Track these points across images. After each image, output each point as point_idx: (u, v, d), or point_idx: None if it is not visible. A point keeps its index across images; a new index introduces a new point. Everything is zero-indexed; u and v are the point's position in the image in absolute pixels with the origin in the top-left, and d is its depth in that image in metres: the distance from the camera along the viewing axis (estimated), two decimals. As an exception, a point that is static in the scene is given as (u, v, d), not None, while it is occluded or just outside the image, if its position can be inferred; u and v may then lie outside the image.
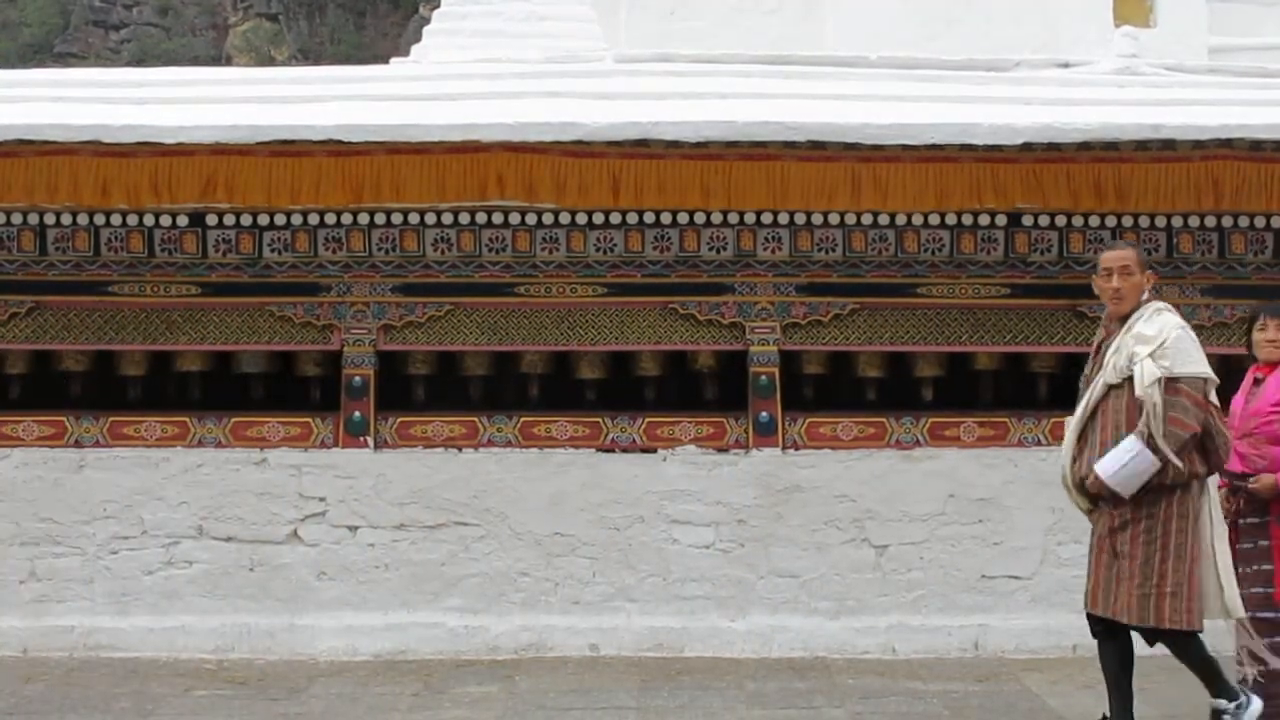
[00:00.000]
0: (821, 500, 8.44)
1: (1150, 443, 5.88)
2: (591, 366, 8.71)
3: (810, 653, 8.22)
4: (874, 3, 11.63)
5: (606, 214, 8.49)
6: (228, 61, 39.14)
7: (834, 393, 8.86)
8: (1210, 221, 8.66)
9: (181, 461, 8.38)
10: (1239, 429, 6.54)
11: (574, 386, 8.78)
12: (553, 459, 8.44)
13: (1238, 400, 6.65)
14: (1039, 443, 8.54)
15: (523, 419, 8.51)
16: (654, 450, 8.48)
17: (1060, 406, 8.75)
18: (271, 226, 8.50)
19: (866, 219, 8.56)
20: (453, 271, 8.54)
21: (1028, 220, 8.59)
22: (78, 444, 8.43)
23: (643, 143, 8.16)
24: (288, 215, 8.45)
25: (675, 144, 8.17)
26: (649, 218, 8.51)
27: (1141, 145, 8.29)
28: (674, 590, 8.37)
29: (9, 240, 8.50)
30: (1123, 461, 5.92)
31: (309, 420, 8.53)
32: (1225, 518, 6.37)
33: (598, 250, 8.56)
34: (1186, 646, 6.07)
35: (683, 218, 8.52)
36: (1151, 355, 5.97)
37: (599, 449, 8.52)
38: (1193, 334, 6.11)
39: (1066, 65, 9.58)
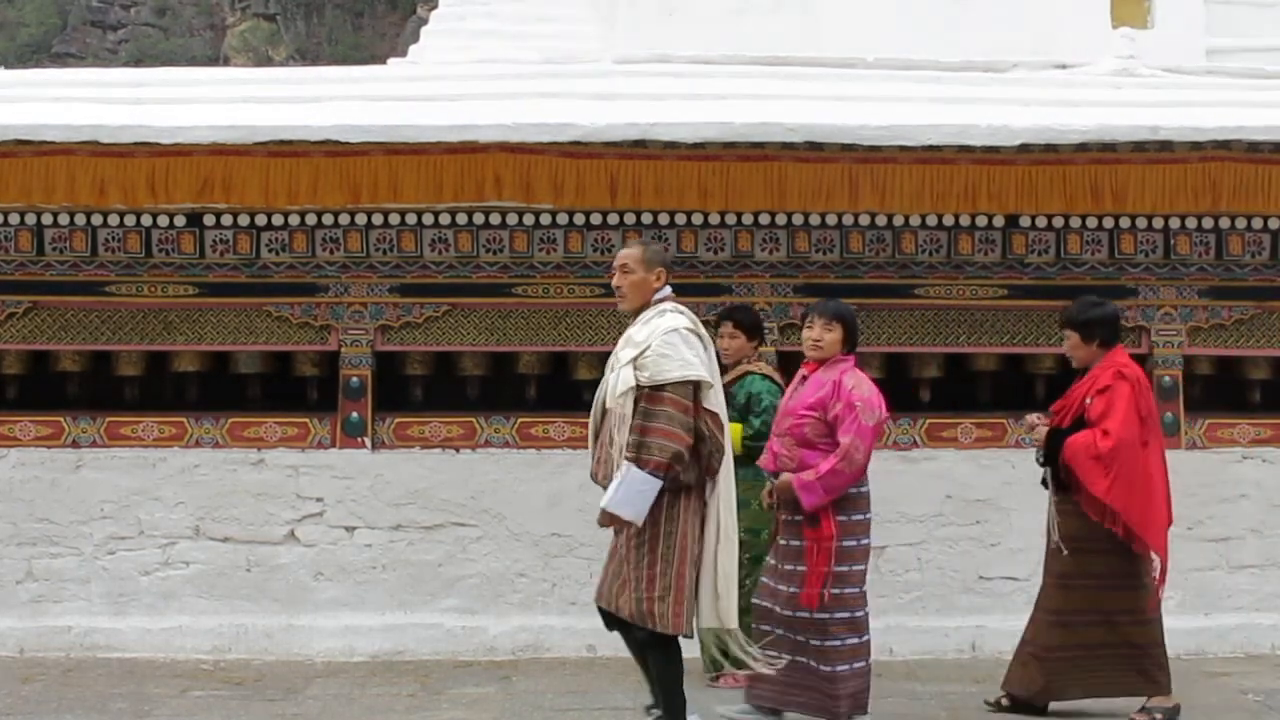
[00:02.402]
0: (819, 501, 8.43)
1: (639, 460, 5.76)
2: (589, 367, 8.70)
3: (807, 654, 8.21)
4: (872, 4, 11.61)
5: (604, 215, 8.49)
6: (225, 62, 39.19)
7: (831, 394, 8.85)
8: (1208, 223, 8.67)
9: (179, 462, 8.38)
10: (776, 426, 6.58)
11: (572, 387, 8.78)
12: (550, 460, 8.44)
13: (785, 398, 6.66)
14: (1038, 444, 8.52)
15: (520, 420, 8.51)
16: (651, 451, 8.46)
17: (1058, 408, 8.78)
18: (269, 227, 8.50)
19: (864, 220, 8.57)
20: (450, 272, 8.54)
21: (1025, 222, 8.59)
22: (75, 444, 8.43)
23: (640, 143, 8.17)
24: (285, 216, 8.45)
25: (673, 145, 8.17)
26: (646, 219, 8.51)
27: (1139, 147, 8.30)
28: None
29: (6, 240, 8.49)
30: (618, 489, 5.81)
31: (306, 421, 8.52)
32: (767, 509, 6.51)
33: (595, 251, 8.56)
34: (666, 650, 6.00)
35: (680, 219, 8.52)
36: (633, 362, 5.88)
37: (597, 450, 8.51)
38: (691, 335, 5.96)
39: (1064, 67, 9.58)
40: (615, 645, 8.18)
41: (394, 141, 8.10)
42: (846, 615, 6.34)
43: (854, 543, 6.39)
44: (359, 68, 10.81)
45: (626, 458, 5.79)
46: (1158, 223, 8.65)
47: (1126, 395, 6.78)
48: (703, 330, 6.10)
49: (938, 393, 8.83)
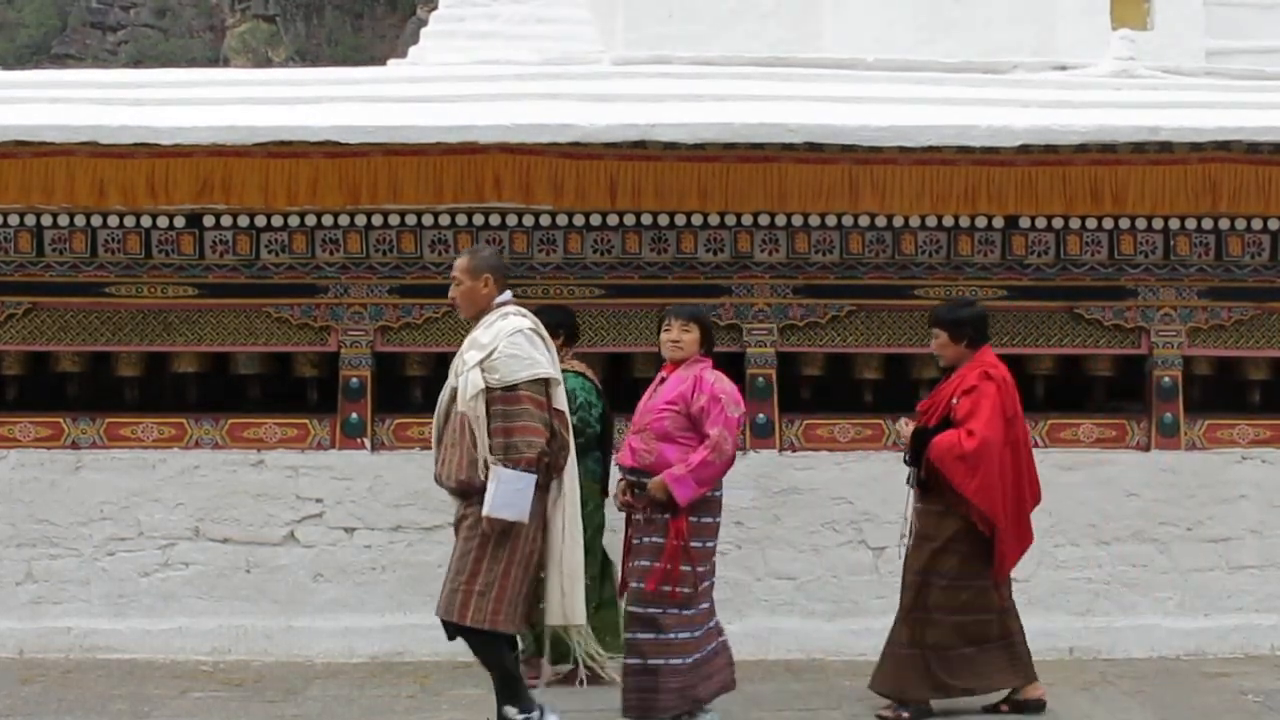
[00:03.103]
0: (819, 502, 8.44)
1: (507, 460, 5.87)
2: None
3: (807, 655, 8.23)
4: (871, 5, 11.63)
5: (604, 216, 8.49)
6: (225, 63, 39.19)
7: (831, 394, 8.86)
8: (1207, 224, 8.67)
9: (178, 463, 8.38)
10: (635, 424, 6.63)
11: (571, 388, 8.78)
12: (550, 461, 8.43)
13: (645, 398, 6.71)
14: (1036, 444, 8.50)
15: (520, 421, 8.50)
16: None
17: (1058, 408, 8.80)
18: (269, 228, 8.49)
19: (864, 221, 8.57)
20: (450, 273, 8.52)
21: (1025, 222, 8.59)
22: (74, 445, 8.43)
23: (640, 145, 8.17)
24: (285, 216, 8.45)
25: (672, 146, 8.17)
26: (646, 219, 8.51)
27: (1139, 147, 8.30)
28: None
29: (5, 241, 8.49)
30: (495, 493, 5.89)
31: (306, 422, 8.52)
32: (620, 508, 6.54)
33: (595, 252, 8.56)
34: (488, 647, 6.05)
35: (680, 220, 8.52)
36: (481, 365, 5.97)
37: (596, 450, 8.51)
38: (535, 335, 6.07)
39: (1064, 68, 9.59)
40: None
41: (394, 142, 8.10)
42: (676, 611, 6.38)
43: (700, 544, 6.45)
44: (358, 69, 10.80)
45: (494, 461, 5.88)
46: (1157, 224, 8.64)
47: (992, 395, 6.80)
48: (544, 332, 6.22)
49: (937, 394, 8.82)
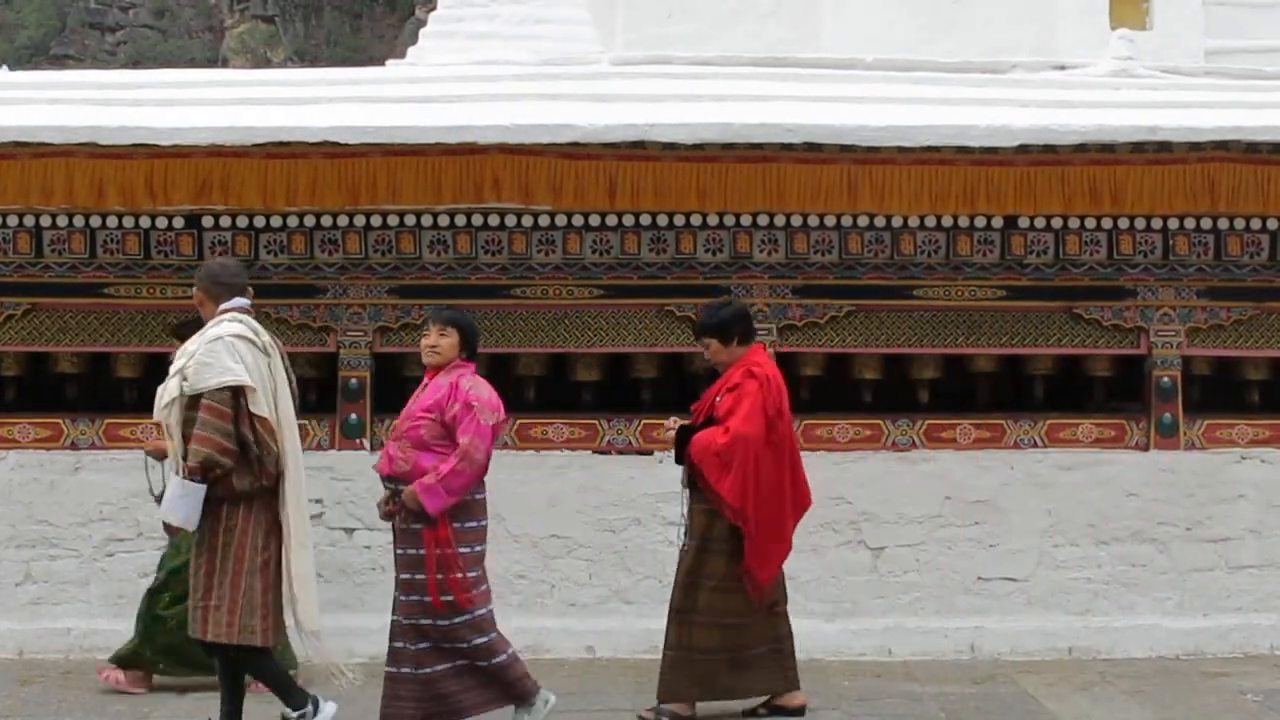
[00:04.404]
0: (818, 502, 8.39)
1: (183, 468, 5.92)
2: (588, 369, 8.71)
3: (806, 655, 8.17)
4: (871, 5, 11.63)
5: (603, 216, 8.48)
6: (224, 63, 39.13)
7: (830, 395, 8.86)
8: (1206, 224, 8.66)
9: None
10: (395, 431, 6.58)
11: (570, 389, 8.78)
12: (549, 461, 8.44)
13: (409, 403, 6.64)
14: (1035, 445, 8.55)
15: (519, 421, 8.50)
16: (650, 452, 8.47)
17: (1057, 408, 8.80)
18: (267, 228, 8.49)
19: (863, 221, 8.56)
20: (449, 274, 8.54)
21: (1024, 222, 8.59)
22: (74, 446, 8.43)
23: (639, 145, 8.17)
24: (284, 217, 8.45)
25: (671, 146, 8.17)
26: (645, 220, 8.51)
27: (1137, 147, 8.30)
28: (670, 593, 8.35)
29: (5, 242, 8.49)
30: (168, 497, 6.00)
31: (305, 422, 8.48)
32: (383, 517, 6.46)
33: (594, 252, 8.56)
34: (246, 659, 6.10)
35: (679, 220, 8.51)
36: (181, 372, 5.99)
37: (595, 451, 8.52)
38: (239, 342, 6.00)
39: (1062, 68, 9.59)
40: (614, 646, 8.25)
41: (393, 143, 8.10)
42: (468, 618, 6.29)
43: (468, 550, 6.34)
44: (357, 69, 10.81)
45: (180, 467, 5.95)
46: (1156, 223, 8.64)
47: (754, 393, 6.71)
48: (265, 339, 6.13)
49: (936, 394, 8.83)
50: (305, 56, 39.59)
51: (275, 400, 6.07)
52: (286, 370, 6.19)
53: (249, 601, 5.98)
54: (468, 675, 6.30)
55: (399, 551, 6.39)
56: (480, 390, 6.41)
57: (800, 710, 6.89)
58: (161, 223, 8.48)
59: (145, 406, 8.62)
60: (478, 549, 6.41)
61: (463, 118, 8.10)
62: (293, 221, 8.48)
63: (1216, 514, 8.54)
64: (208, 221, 8.48)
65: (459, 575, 6.23)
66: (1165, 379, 8.63)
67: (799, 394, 8.77)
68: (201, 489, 5.88)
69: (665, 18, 11.91)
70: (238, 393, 5.93)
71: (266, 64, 38.69)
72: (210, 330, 6.06)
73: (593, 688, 7.51)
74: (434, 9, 11.77)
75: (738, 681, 6.80)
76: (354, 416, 8.47)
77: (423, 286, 8.50)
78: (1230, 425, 8.70)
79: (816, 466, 8.42)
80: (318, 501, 8.37)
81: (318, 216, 8.45)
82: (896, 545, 8.42)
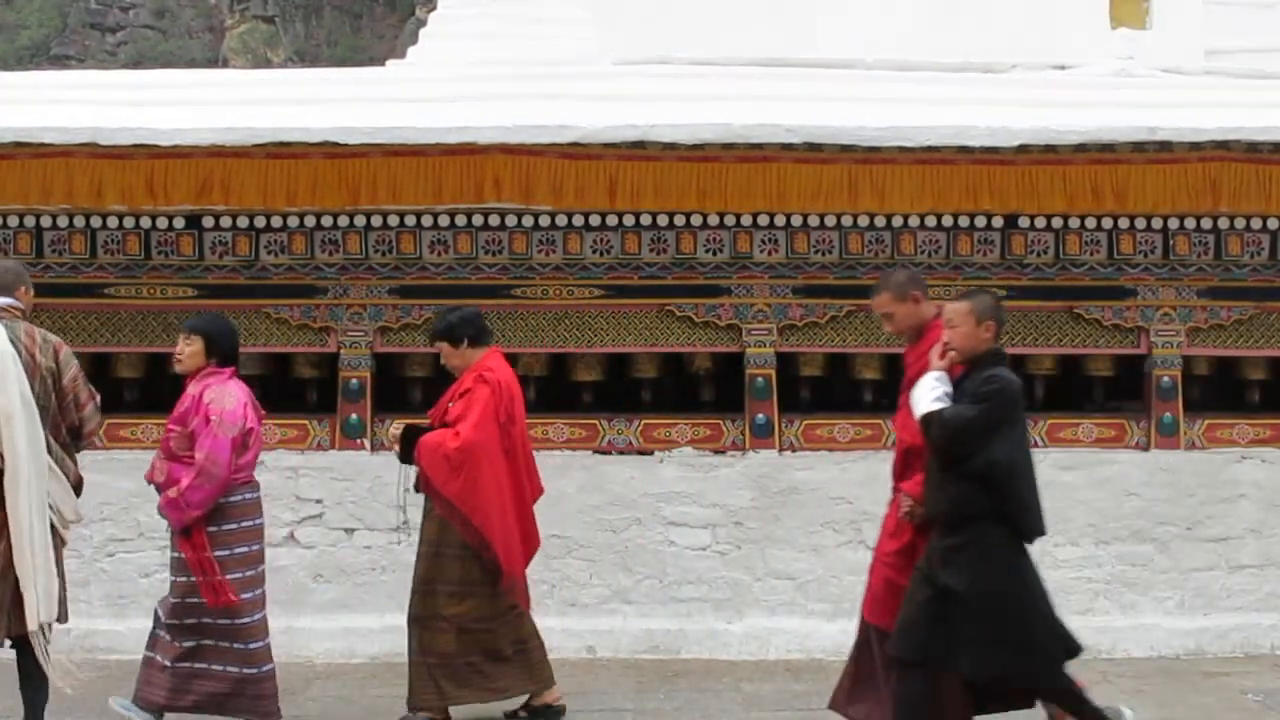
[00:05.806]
0: (818, 502, 8.44)
1: None
2: (588, 369, 8.71)
3: (807, 655, 8.22)
4: (870, 5, 11.61)
5: (603, 216, 8.49)
6: (224, 64, 39.11)
7: (831, 395, 8.86)
8: (1207, 223, 8.67)
9: (178, 464, 8.36)
10: (163, 442, 6.57)
11: (571, 389, 8.78)
12: (549, 461, 8.40)
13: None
14: (1035, 444, 8.51)
15: (519, 421, 8.50)
16: (651, 452, 8.48)
17: (1057, 408, 8.79)
18: (268, 229, 8.50)
19: (863, 221, 8.57)
20: (449, 274, 8.54)
21: (1024, 222, 8.59)
22: (74, 446, 8.42)
23: (639, 145, 8.17)
24: (284, 217, 8.45)
25: (672, 146, 8.17)
26: (645, 220, 8.51)
27: (1138, 147, 8.30)
28: (671, 592, 8.37)
29: (5, 243, 8.50)
30: None
31: (305, 422, 8.52)
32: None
33: (594, 252, 8.56)
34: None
35: (679, 220, 8.52)
36: None
37: (596, 451, 8.52)
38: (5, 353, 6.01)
39: (1063, 67, 9.60)
40: (614, 646, 8.26)
41: (393, 143, 8.10)
42: (227, 623, 6.33)
43: (226, 553, 6.34)
44: (357, 70, 10.79)
45: None
46: (1157, 223, 8.64)
47: (484, 399, 6.66)
48: (4, 347, 6.08)
49: (937, 393, 8.81)
50: (305, 56, 39.59)
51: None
52: (41, 364, 6.18)
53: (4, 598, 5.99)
54: (220, 675, 6.37)
55: (173, 554, 6.46)
56: (224, 401, 6.33)
57: (560, 709, 6.85)
58: (162, 223, 8.49)
59: (146, 407, 8.71)
60: (239, 550, 6.38)
61: (463, 118, 8.10)
62: (293, 222, 8.48)
63: (1217, 513, 8.54)
64: (208, 222, 8.48)
65: (220, 578, 6.28)
66: (1165, 379, 8.63)
67: (799, 394, 8.78)
68: None
69: (665, 17, 11.90)
70: None
71: (267, 64, 38.68)
72: None
73: (593, 687, 7.52)
74: (434, 9, 11.75)
75: (489, 684, 6.73)
76: (354, 417, 8.47)
77: (423, 287, 8.51)
78: (1230, 425, 8.70)
79: (817, 466, 8.46)
80: (318, 501, 8.39)
81: (318, 216, 8.46)
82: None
